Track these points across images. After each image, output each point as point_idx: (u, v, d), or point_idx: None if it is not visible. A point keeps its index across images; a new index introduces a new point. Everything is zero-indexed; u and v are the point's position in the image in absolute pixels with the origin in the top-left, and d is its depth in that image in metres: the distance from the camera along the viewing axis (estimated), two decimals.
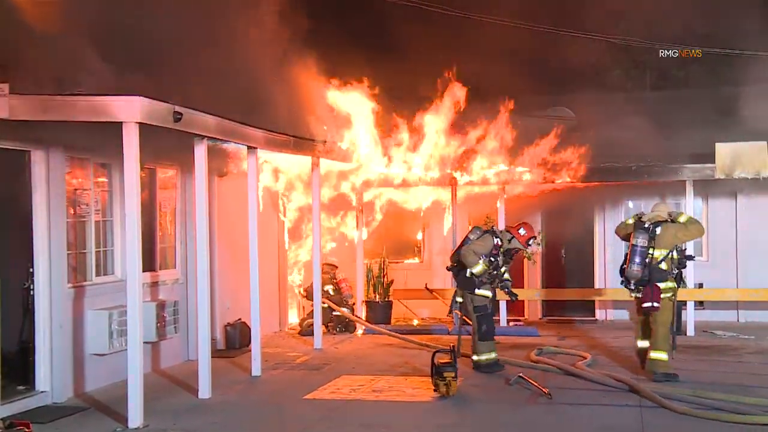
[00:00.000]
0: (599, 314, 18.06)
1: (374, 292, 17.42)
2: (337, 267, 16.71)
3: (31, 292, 10.28)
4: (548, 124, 16.54)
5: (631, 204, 17.98)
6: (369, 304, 17.37)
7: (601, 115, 16.20)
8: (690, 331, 15.52)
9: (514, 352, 13.48)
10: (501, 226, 16.63)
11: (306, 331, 15.52)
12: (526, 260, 17.41)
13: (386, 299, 17.38)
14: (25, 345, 10.46)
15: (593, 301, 17.93)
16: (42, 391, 10.29)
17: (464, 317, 13.12)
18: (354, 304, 16.87)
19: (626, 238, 11.80)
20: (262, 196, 15.04)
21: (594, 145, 15.74)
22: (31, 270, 10.25)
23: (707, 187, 16.50)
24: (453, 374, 10.38)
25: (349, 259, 17.68)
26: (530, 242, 12.60)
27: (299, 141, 13.44)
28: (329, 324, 16.08)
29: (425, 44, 15.84)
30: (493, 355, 12.15)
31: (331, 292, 16.27)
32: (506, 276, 12.47)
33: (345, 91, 15.23)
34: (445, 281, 17.76)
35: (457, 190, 16.93)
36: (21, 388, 10.24)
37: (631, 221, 11.77)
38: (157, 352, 12.53)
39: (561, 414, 9.60)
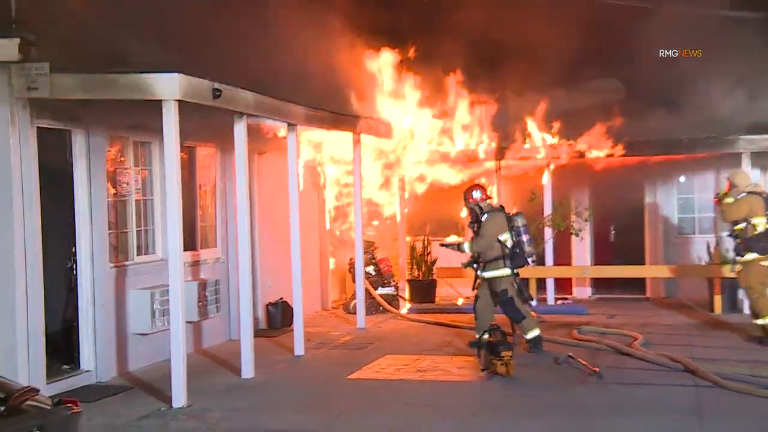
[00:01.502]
0: (650, 292, 17.95)
1: (417, 270, 17.48)
2: (374, 244, 16.74)
3: (74, 272, 10.47)
4: (597, 95, 16.40)
5: (682, 178, 17.84)
6: (412, 282, 17.41)
7: (650, 86, 16.02)
8: None
9: (562, 330, 13.43)
10: (547, 201, 16.62)
11: (352, 310, 15.64)
12: (573, 237, 17.35)
13: (430, 278, 17.42)
14: (69, 324, 10.65)
15: (644, 279, 17.84)
16: (86, 371, 10.49)
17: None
18: (397, 284, 16.94)
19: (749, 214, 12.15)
20: (303, 174, 15.14)
21: (645, 117, 15.60)
22: (73, 249, 10.42)
23: (764, 159, 16.30)
24: (510, 353, 10.38)
25: (390, 237, 17.72)
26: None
27: (340, 117, 13.48)
28: (373, 306, 16.11)
29: (465, 13, 15.75)
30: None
31: (372, 273, 16.37)
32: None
33: (386, 63, 15.24)
34: None
35: (501, 164, 16.91)
36: (66, 367, 10.46)
37: (744, 196, 12.08)
38: (199, 332, 12.66)
39: (612, 394, 9.54)
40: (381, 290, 16.34)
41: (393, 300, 16.48)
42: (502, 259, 11.74)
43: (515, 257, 11.78)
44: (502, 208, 12.10)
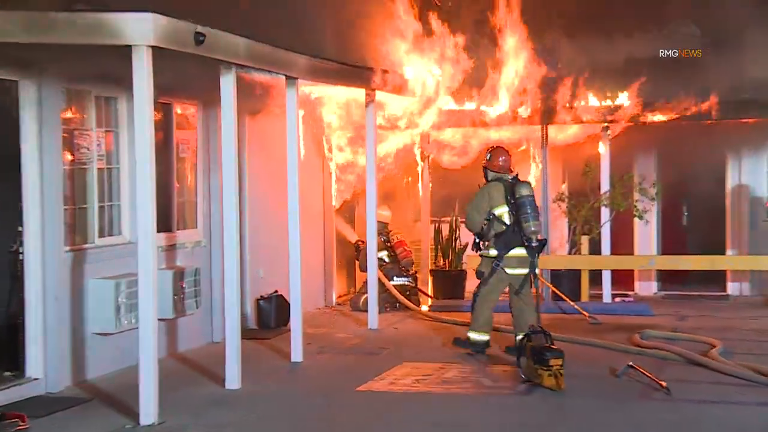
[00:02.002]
0: (731, 288, 17.97)
1: (444, 259, 17.50)
2: (389, 226, 16.79)
3: (20, 257, 10.42)
4: (669, 43, 16.38)
5: None
6: (436, 274, 17.47)
7: (738, 34, 15.88)
8: None
9: (618, 335, 13.45)
10: (605, 175, 16.53)
11: (362, 306, 15.71)
12: (636, 220, 17.36)
13: (458, 268, 17.44)
14: (13, 321, 10.57)
15: (724, 273, 17.82)
16: (34, 378, 10.46)
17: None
18: (416, 273, 16.96)
19: None
20: (305, 140, 15.15)
21: (729, 72, 15.54)
22: (19, 229, 10.39)
23: None
24: (561, 361, 10.33)
25: (408, 218, 17.78)
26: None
27: (350, 69, 13.49)
28: (387, 301, 16.15)
29: None
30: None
31: (386, 260, 16.31)
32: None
33: (406, 11, 15.20)
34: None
35: (547, 129, 16.91)
36: (8, 374, 10.41)
37: None
38: (175, 332, 12.68)
39: (682, 413, 9.54)
40: (396, 281, 16.39)
41: (412, 294, 16.53)
42: (496, 239, 12.20)
43: (505, 236, 12.11)
44: (514, 178, 12.36)
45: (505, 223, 12.12)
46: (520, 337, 11.55)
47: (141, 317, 9.24)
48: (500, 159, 12.39)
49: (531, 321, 11.73)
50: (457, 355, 12.45)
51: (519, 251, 12.11)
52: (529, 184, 12.35)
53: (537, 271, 12.23)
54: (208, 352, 12.65)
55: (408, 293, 16.39)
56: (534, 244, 12.07)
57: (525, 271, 12.14)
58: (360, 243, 16.36)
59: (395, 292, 16.13)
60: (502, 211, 12.14)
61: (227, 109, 10.59)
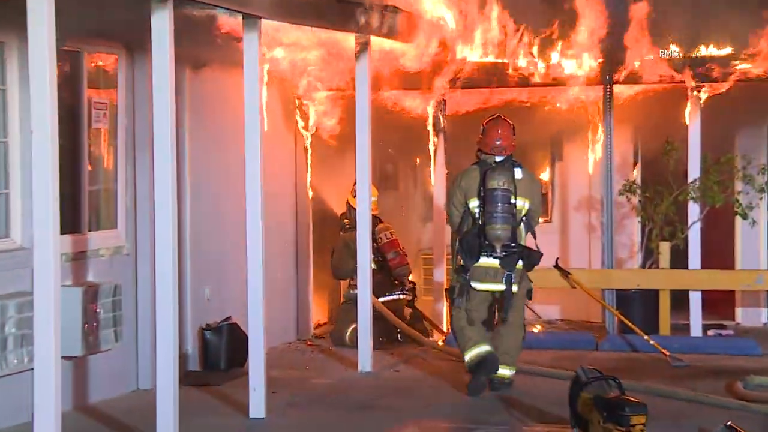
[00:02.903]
0: None
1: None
2: (381, 220, 16.93)
3: None
4: None
5: None
6: (452, 292, 17.26)
7: None
8: None
9: (712, 382, 13.56)
10: (694, 156, 16.53)
11: (348, 342, 15.91)
12: (738, 220, 17.40)
13: None
14: None
15: None
16: None
17: None
18: (414, 286, 17.07)
19: None
20: (270, 105, 15.18)
21: None
22: None
23: None
24: (645, 419, 10.30)
25: (414, 213, 17.94)
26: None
27: (333, 5, 13.46)
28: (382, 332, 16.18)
29: None
30: None
31: (373, 266, 16.24)
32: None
33: None
34: (590, 255, 17.96)
35: (613, 91, 16.91)
36: None
37: None
38: (85, 375, 12.64)
39: None
40: (387, 298, 16.51)
41: (415, 321, 16.64)
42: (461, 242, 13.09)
43: (471, 239, 12.94)
44: (504, 161, 13.04)
45: (476, 222, 12.96)
46: (510, 372, 12.87)
47: (36, 355, 9.17)
48: (496, 137, 13.07)
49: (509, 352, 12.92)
50: (484, 410, 12.45)
51: (486, 260, 12.89)
52: (515, 171, 12.98)
53: (522, 288, 13.05)
54: (132, 404, 12.64)
55: (412, 320, 16.51)
56: (499, 254, 12.79)
57: (498, 287, 12.92)
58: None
59: (396, 320, 16.14)
60: (474, 206, 13.04)
61: (161, 60, 10.51)
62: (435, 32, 15.83)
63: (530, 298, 13.42)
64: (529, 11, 16.45)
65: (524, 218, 13.07)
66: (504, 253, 12.71)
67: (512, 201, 12.77)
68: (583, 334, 16.97)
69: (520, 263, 12.96)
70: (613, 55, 16.52)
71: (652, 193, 17.11)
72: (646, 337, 15.43)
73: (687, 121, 16.77)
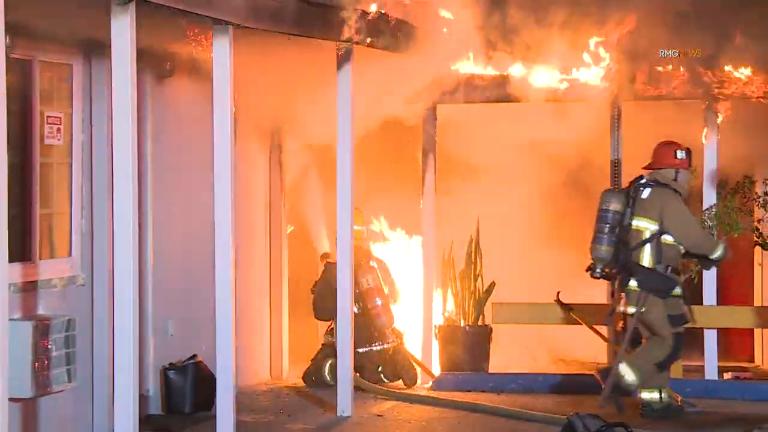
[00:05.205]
0: None
1: (457, 305, 17.46)
2: (371, 261, 17.15)
3: None
4: None
5: None
6: (446, 332, 17.37)
7: None
8: None
9: (730, 430, 13.71)
10: (709, 177, 16.65)
11: (327, 378, 16.22)
12: (758, 251, 17.18)
13: (479, 321, 17.40)
14: None
15: None
16: None
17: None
18: (393, 330, 17.07)
19: None
20: (241, 119, 14.91)
21: None
22: None
23: None
24: None
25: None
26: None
27: (313, 11, 13.53)
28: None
29: None
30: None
31: (354, 310, 16.20)
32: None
33: None
34: (600, 289, 17.59)
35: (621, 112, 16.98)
36: None
37: None
38: (34, 419, 12.56)
39: None
40: (365, 349, 16.61)
41: (404, 369, 16.71)
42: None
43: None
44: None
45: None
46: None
47: None
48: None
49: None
50: None
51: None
52: (629, 191, 14.41)
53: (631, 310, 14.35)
54: None
55: (396, 369, 16.62)
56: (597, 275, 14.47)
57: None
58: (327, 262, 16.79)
59: (367, 384, 16.10)
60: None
61: (121, 69, 10.45)
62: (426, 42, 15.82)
63: None
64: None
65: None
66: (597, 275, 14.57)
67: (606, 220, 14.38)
68: (587, 376, 16.66)
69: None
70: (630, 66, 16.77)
71: None
72: None
73: (703, 140, 16.86)
